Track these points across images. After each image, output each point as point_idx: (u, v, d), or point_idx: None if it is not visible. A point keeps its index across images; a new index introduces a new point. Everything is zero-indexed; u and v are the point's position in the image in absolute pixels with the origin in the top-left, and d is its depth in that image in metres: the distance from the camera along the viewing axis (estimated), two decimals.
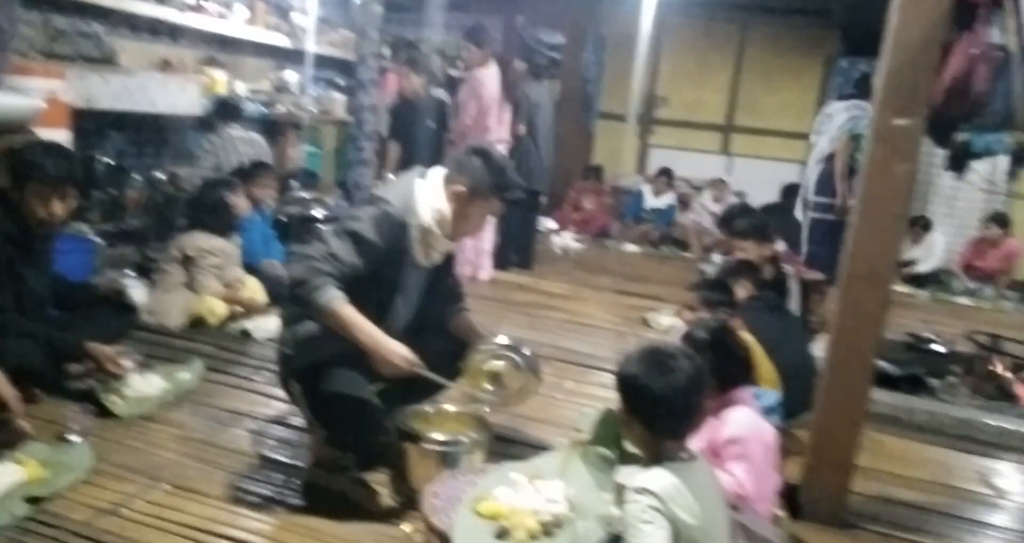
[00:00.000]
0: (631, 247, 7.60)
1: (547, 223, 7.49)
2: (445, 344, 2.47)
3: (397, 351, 2.16)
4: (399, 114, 5.75)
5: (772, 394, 2.80)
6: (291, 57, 6.35)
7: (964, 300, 6.59)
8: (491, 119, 5.20)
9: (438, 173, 2.33)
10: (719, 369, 2.21)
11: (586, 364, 3.83)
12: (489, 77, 5.20)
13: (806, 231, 5.23)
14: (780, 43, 8.57)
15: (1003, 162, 7.95)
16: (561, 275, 5.98)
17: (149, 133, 5.21)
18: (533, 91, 5.85)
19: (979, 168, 7.02)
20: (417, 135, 5.59)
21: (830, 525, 2.49)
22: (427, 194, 2.28)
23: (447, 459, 2.24)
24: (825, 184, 5.07)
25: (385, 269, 2.25)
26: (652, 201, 8.13)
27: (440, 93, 6.00)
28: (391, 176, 5.12)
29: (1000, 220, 6.95)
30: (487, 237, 5.45)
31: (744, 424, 2.17)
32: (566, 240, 7.29)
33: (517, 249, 5.94)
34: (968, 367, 4.11)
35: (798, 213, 5.39)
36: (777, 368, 2.93)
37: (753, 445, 2.16)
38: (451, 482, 2.04)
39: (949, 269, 7.02)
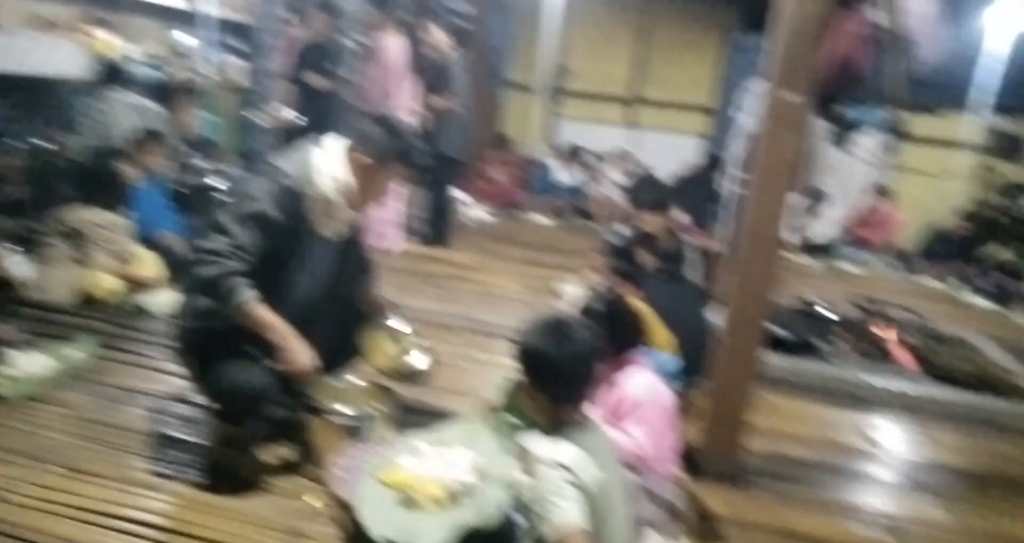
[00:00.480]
0: (541, 218, 7.67)
1: (458, 195, 7.46)
2: (352, 321, 2.44)
3: (304, 358, 2.13)
4: (307, 57, 5.49)
5: (671, 359, 2.90)
6: (187, 19, 6.04)
7: (851, 268, 6.98)
8: (396, 87, 5.11)
9: (336, 142, 2.28)
10: (613, 335, 2.29)
11: (495, 334, 3.87)
12: (393, 44, 5.09)
13: (730, 204, 5.34)
14: (682, 17, 8.73)
15: (888, 137, 8.45)
16: (472, 247, 5.99)
17: (32, 98, 4.86)
18: (455, 61, 5.74)
19: (865, 142, 7.43)
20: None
21: (725, 482, 2.63)
22: (326, 164, 2.23)
23: (353, 431, 2.23)
24: (752, 161, 5.17)
25: (289, 243, 2.20)
26: (560, 175, 8.21)
27: (349, 42, 5.77)
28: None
29: (883, 192, 7.38)
30: (396, 209, 5.39)
31: (642, 387, 2.25)
32: (477, 212, 7.28)
33: (435, 223, 5.88)
34: (852, 330, 4.38)
35: (723, 185, 5.49)
36: (675, 334, 3.04)
37: (651, 407, 2.24)
38: (356, 453, 2.04)
39: (839, 239, 7.40)
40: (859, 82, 2.87)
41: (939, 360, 4.08)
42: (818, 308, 4.78)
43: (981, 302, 6.20)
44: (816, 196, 7.51)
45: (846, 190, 8.28)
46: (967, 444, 3.29)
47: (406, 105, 5.22)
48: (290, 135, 5.27)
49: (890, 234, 7.46)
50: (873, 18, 2.85)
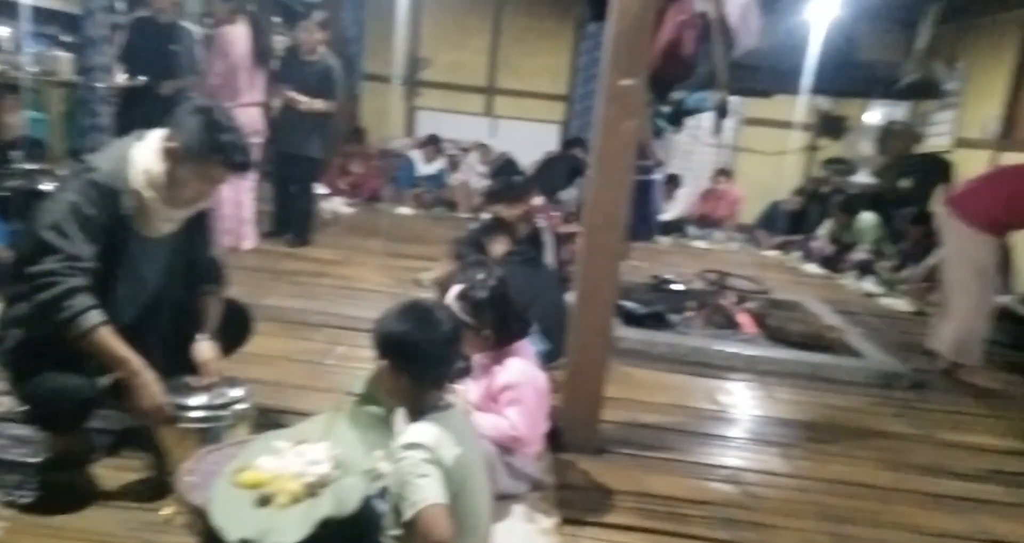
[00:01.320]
0: (404, 210, 7.64)
1: (319, 190, 7.31)
2: (187, 327, 2.31)
3: (154, 396, 2.02)
4: (136, 31, 5.16)
5: (534, 339, 2.97)
6: (2, 10, 5.54)
7: (699, 243, 7.41)
8: (240, 80, 4.93)
9: (157, 134, 2.16)
10: (499, 325, 2.33)
11: (359, 328, 3.82)
12: (237, 35, 4.90)
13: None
14: (536, 7, 8.90)
15: (729, 120, 8.95)
16: (332, 241, 5.88)
17: None
18: (334, 62, 5.54)
19: (707, 125, 7.81)
20: (151, 58, 5.01)
21: (585, 452, 2.74)
22: (142, 156, 2.09)
23: (207, 435, 2.15)
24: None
25: (111, 245, 2.06)
26: (423, 168, 8.20)
27: (188, 24, 5.49)
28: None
29: (726, 173, 7.86)
30: (247, 205, 5.21)
31: (519, 371, 2.31)
32: (336, 205, 7.15)
33: (296, 221, 5.69)
34: (701, 302, 4.66)
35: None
36: (534, 318, 3.12)
37: (527, 390, 2.30)
38: (209, 457, 1.97)
39: (687, 217, 7.82)
40: (689, 68, 3.05)
41: (777, 323, 4.42)
42: (669, 283, 5.04)
43: (814, 269, 6.74)
44: (674, 181, 7.91)
45: (694, 171, 8.77)
46: (802, 398, 3.58)
47: (253, 100, 5.04)
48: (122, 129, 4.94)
49: (733, 211, 7.95)
50: (698, 7, 3.04)
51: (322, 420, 2.07)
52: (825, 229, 7.08)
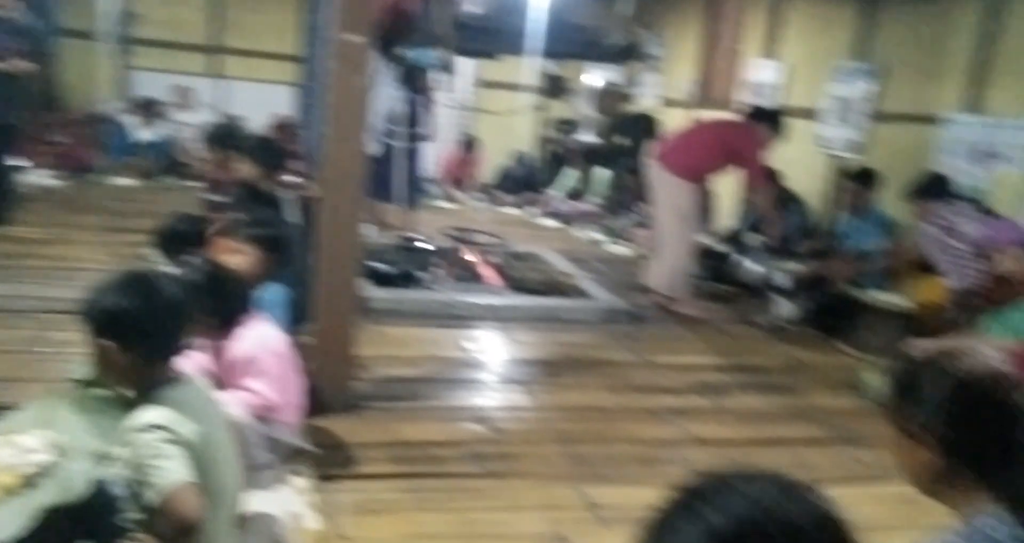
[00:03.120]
0: (124, 180, 6.95)
1: (13, 160, 6.38)
2: None
3: None
4: None
5: (278, 289, 2.87)
6: None
7: (444, 204, 7.62)
8: None
9: None
10: (219, 308, 2.22)
11: (76, 311, 3.46)
12: None
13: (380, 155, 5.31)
14: None
15: (466, 81, 9.18)
16: (38, 218, 5.22)
17: None
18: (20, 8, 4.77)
19: (456, 87, 7.94)
20: None
21: (339, 411, 2.76)
22: None
23: None
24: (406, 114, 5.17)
25: None
26: (141, 133, 7.48)
27: None
28: None
29: (473, 139, 8.10)
30: None
31: (252, 341, 2.23)
32: (40, 178, 6.32)
33: None
34: (447, 259, 4.82)
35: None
36: (278, 280, 3.05)
37: (266, 358, 2.24)
38: None
39: (434, 179, 7.97)
40: (412, 26, 3.11)
41: (517, 274, 4.72)
42: (416, 242, 5.15)
43: (550, 223, 7.25)
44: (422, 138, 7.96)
45: (441, 133, 8.91)
46: (541, 339, 3.89)
47: None
48: None
49: (475, 170, 8.25)
50: None
51: (38, 408, 1.88)
52: (560, 185, 7.61)
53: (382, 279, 4.38)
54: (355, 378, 2.89)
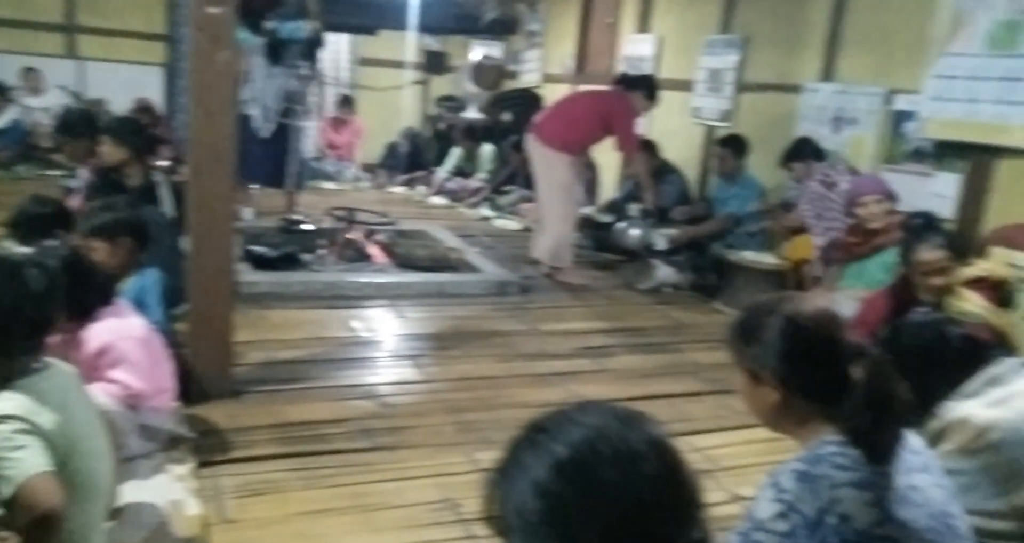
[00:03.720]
0: None
1: None
2: None
3: None
4: None
5: (152, 272, 2.75)
6: None
7: (329, 184, 7.46)
8: None
9: None
10: (77, 296, 2.12)
11: None
12: None
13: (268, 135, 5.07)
14: None
15: (343, 58, 8.98)
16: None
17: None
18: None
19: (326, 61, 7.75)
20: None
21: (221, 397, 2.69)
22: None
23: None
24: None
25: None
26: None
27: None
28: None
29: (349, 101, 7.90)
30: None
31: (106, 331, 2.14)
32: None
33: None
34: (332, 239, 4.73)
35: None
36: (152, 266, 2.93)
37: (124, 345, 2.16)
38: None
39: (313, 157, 7.75)
40: None
41: (404, 251, 4.69)
42: (299, 223, 5.04)
43: (438, 201, 7.22)
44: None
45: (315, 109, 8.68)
46: (431, 314, 3.89)
47: None
48: None
49: (357, 139, 8.07)
50: None
51: None
52: (447, 163, 7.57)
53: (264, 262, 4.26)
54: (235, 363, 2.81)
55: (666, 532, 0.81)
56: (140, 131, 3.96)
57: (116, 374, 2.13)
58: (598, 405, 0.89)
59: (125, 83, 7.54)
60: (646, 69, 6.32)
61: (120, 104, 6.93)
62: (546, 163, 4.56)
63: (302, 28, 3.03)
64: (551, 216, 4.61)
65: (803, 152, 4.23)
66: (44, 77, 7.22)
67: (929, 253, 2.69)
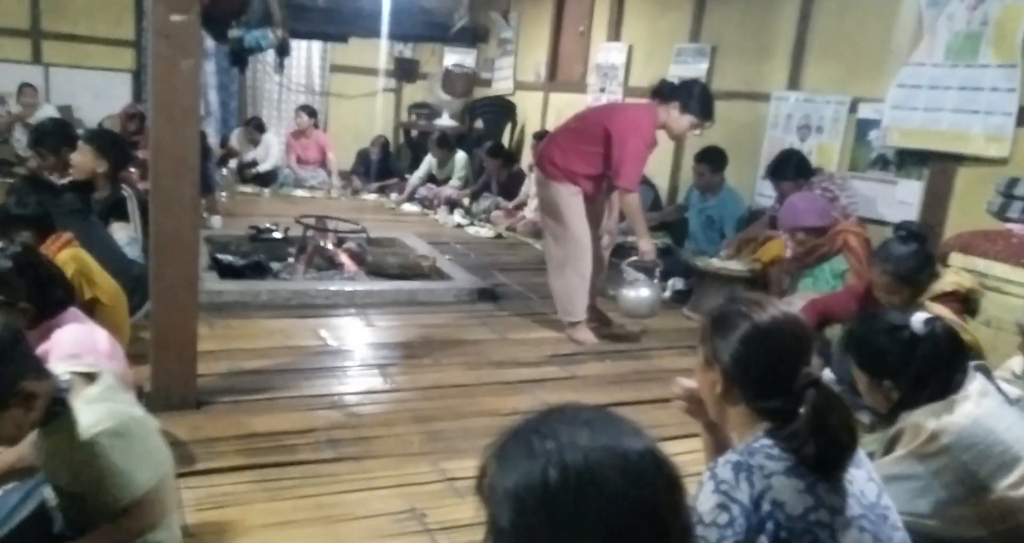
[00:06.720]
0: None
1: None
2: None
3: None
4: None
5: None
6: None
7: (299, 192, 7.41)
8: None
9: None
10: (37, 296, 2.09)
11: None
12: None
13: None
14: None
15: (316, 65, 8.95)
16: None
17: None
18: None
19: (295, 71, 7.71)
20: None
21: (183, 409, 2.65)
22: None
23: None
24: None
25: None
26: None
27: None
28: None
29: (308, 109, 7.80)
30: None
31: (72, 341, 2.10)
32: None
33: None
34: (301, 247, 4.70)
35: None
36: (114, 277, 2.89)
37: (90, 356, 2.12)
38: None
39: (282, 166, 7.69)
40: (246, 5, 2.99)
41: (376, 260, 4.66)
42: (267, 232, 4.99)
43: (411, 208, 7.20)
44: (256, 125, 7.68)
45: (285, 118, 8.64)
46: (401, 322, 3.87)
47: None
48: None
49: (324, 153, 8.00)
50: None
51: None
52: (420, 170, 7.54)
53: (230, 271, 4.22)
54: (199, 374, 2.77)
55: (663, 525, 0.83)
56: (119, 144, 3.90)
57: None
58: (584, 406, 0.90)
59: (92, 90, 7.44)
60: (616, 76, 6.36)
61: (88, 111, 6.83)
62: (543, 193, 3.81)
63: (268, 35, 3.01)
64: (550, 262, 3.84)
65: (790, 167, 4.19)
66: (37, 93, 7.07)
67: (877, 276, 2.78)
